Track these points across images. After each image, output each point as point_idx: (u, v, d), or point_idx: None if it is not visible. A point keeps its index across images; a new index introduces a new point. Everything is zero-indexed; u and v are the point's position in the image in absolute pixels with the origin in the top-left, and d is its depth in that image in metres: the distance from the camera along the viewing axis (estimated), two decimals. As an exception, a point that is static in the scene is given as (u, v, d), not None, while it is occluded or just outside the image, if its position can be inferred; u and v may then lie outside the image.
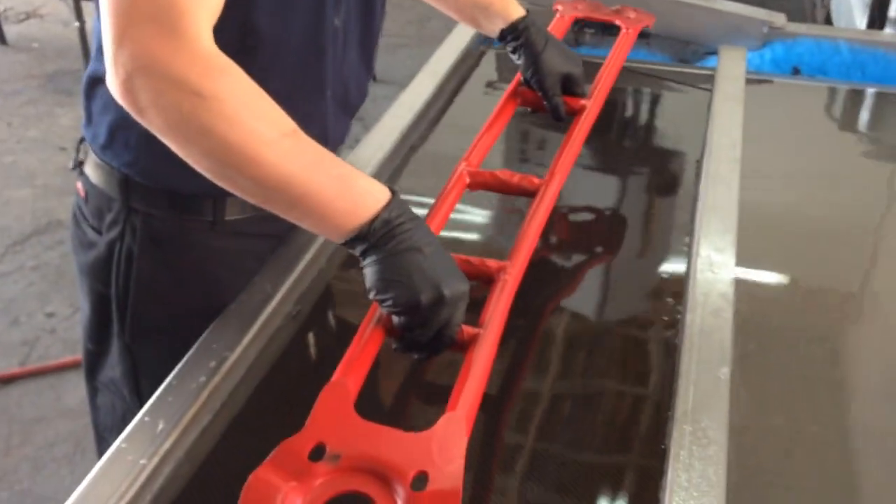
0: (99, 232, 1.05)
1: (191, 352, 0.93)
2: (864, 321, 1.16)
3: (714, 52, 1.74)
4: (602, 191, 1.37)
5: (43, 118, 3.65)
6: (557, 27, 1.39)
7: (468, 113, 1.57)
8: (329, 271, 1.12)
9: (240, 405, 0.92)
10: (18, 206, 3.05)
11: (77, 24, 3.10)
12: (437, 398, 0.92)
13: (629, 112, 1.64)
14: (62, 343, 2.42)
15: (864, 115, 1.66)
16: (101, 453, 0.83)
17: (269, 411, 0.93)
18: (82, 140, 1.08)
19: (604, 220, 1.29)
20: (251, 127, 0.74)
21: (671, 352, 0.98)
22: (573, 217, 1.30)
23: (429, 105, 1.50)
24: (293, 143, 0.77)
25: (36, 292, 2.62)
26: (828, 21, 3.36)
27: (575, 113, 1.19)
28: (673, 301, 1.08)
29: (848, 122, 1.66)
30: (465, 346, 0.82)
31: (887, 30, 2.63)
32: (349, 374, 0.78)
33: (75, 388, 2.25)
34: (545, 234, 1.05)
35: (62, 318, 2.51)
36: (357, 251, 0.80)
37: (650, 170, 1.45)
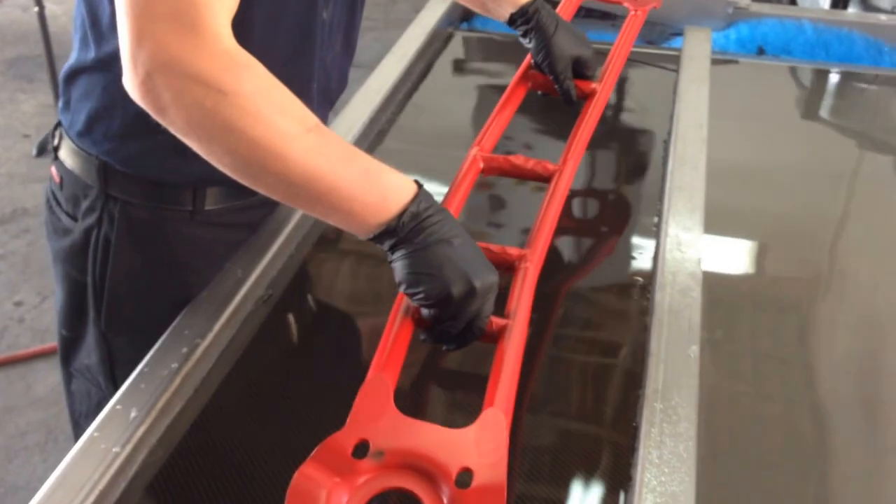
0: (74, 218, 1.05)
1: (162, 338, 0.93)
2: (831, 296, 1.18)
3: (680, 33, 1.75)
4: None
5: (5, 105, 3.59)
6: (565, 10, 1.37)
7: (437, 95, 1.57)
8: (299, 255, 1.12)
9: (212, 390, 0.91)
10: (-18, 195, 3.00)
11: (36, 8, 3.04)
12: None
13: (597, 93, 1.64)
14: (31, 332, 2.40)
15: (829, 94, 1.68)
16: (77, 439, 0.83)
17: (242, 396, 0.93)
18: (58, 125, 1.06)
19: (573, 202, 1.30)
20: (275, 122, 0.73)
21: (642, 331, 1.00)
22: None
23: (397, 87, 1.50)
24: (318, 137, 0.76)
25: (3, 281, 2.58)
26: (792, 1, 3.39)
27: (585, 97, 1.18)
28: (643, 281, 1.09)
29: (813, 100, 1.68)
30: (494, 337, 0.82)
31: (850, 9, 2.66)
32: (385, 370, 0.77)
33: (45, 377, 2.24)
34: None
35: (31, 307, 2.49)
36: (385, 246, 0.79)
37: (619, 151, 1.46)
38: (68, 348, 1.13)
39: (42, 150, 3.22)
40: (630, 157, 1.45)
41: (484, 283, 0.79)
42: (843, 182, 1.40)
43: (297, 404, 0.93)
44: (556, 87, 1.18)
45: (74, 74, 0.99)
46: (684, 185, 1.19)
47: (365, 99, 1.41)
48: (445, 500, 0.68)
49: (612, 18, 1.86)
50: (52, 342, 2.29)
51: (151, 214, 1.02)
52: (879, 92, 1.67)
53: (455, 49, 1.72)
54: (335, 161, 0.76)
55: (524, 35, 1.19)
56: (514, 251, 0.90)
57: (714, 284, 1.05)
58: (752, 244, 1.24)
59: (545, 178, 1.02)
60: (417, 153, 1.40)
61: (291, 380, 0.97)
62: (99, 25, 0.94)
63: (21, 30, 4.20)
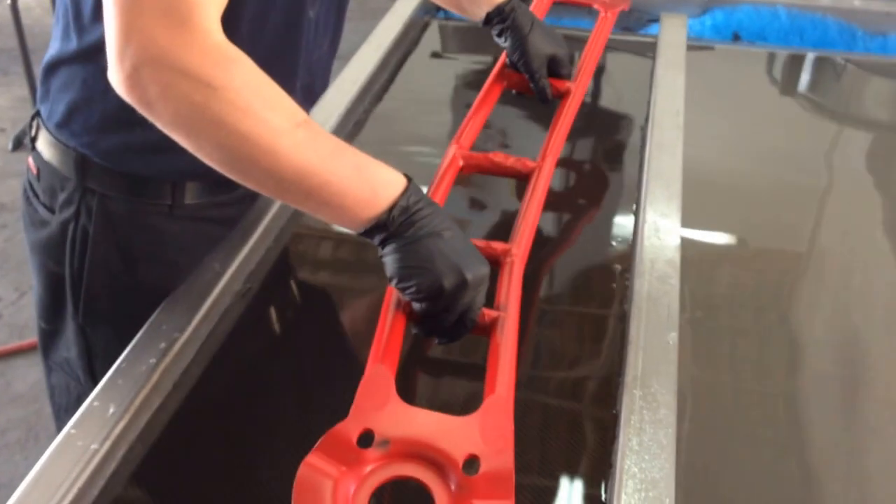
0: (51, 210, 1.04)
1: (140, 334, 0.92)
2: (810, 276, 1.19)
3: (656, 20, 1.75)
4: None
5: (-21, 99, 3.55)
6: (537, 9, 1.39)
7: (414, 84, 1.56)
8: (277, 248, 1.12)
9: (191, 385, 0.91)
10: (-44, 190, 2.97)
11: (9, 1, 3.01)
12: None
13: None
14: (8, 328, 2.38)
15: (804, 79, 1.69)
16: (59, 431, 0.83)
17: (222, 390, 0.93)
18: (36, 115, 1.05)
19: (553, 190, 1.30)
20: (265, 117, 0.72)
21: (621, 318, 1.00)
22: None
23: (374, 78, 1.49)
24: (307, 132, 0.75)
25: (-21, 277, 2.56)
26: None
27: (560, 95, 1.19)
28: (621, 268, 1.09)
29: (788, 85, 1.69)
30: (486, 330, 0.82)
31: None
32: (385, 360, 0.77)
33: (25, 374, 2.22)
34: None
35: (8, 303, 2.47)
36: (376, 240, 0.79)
37: (596, 139, 1.46)
38: (47, 341, 1.12)
39: (18, 144, 3.18)
40: (608, 144, 1.45)
41: (476, 275, 0.79)
42: (819, 164, 1.41)
43: (277, 398, 0.93)
44: (531, 85, 1.19)
45: (55, 65, 0.98)
46: (662, 172, 1.19)
47: (341, 90, 1.40)
48: (453, 488, 0.68)
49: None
50: (31, 338, 2.28)
51: (130, 208, 1.01)
52: (853, 76, 1.68)
53: (432, 38, 1.72)
54: (325, 156, 0.76)
55: (500, 34, 1.20)
56: (498, 246, 0.91)
57: (692, 269, 1.05)
58: (730, 229, 1.25)
59: (525, 175, 1.04)
60: (395, 144, 1.40)
61: (271, 373, 0.97)
62: (81, 16, 0.93)
63: (-7, 23, 4.15)
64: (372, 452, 0.69)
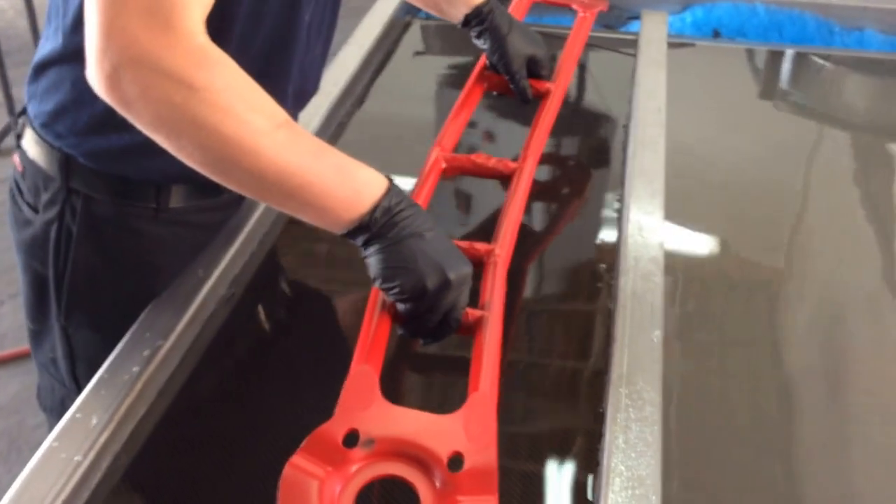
0: (35, 210, 1.03)
1: (123, 341, 0.91)
2: (793, 273, 1.19)
3: (637, 17, 1.75)
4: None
5: (-42, 102, 3.51)
6: (516, 10, 1.39)
7: (397, 84, 1.56)
8: (261, 253, 1.11)
9: (176, 393, 0.90)
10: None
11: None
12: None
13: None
14: (-10, 337, 2.35)
15: (784, 75, 1.70)
16: (51, 430, 0.82)
17: (206, 397, 0.92)
18: (22, 112, 1.04)
19: (536, 188, 1.30)
20: (246, 118, 0.72)
21: (606, 316, 1.00)
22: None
23: (356, 78, 1.48)
24: (288, 133, 0.75)
25: (-41, 287, 2.53)
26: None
27: (540, 96, 1.20)
28: (606, 267, 1.09)
29: (768, 81, 1.70)
30: (471, 329, 0.83)
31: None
32: (369, 360, 0.77)
33: (5, 385, 2.19)
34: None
35: (-11, 312, 2.44)
36: (359, 241, 0.80)
37: (579, 137, 1.46)
38: (35, 341, 1.12)
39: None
40: (591, 142, 1.46)
41: (458, 275, 0.80)
42: (801, 160, 1.42)
43: (263, 404, 0.92)
44: (511, 86, 1.20)
45: (45, 66, 0.97)
46: (644, 169, 1.19)
47: (323, 91, 1.38)
48: (438, 485, 0.68)
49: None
50: (11, 348, 2.26)
51: (114, 210, 1.00)
52: (832, 71, 1.69)
53: (413, 38, 1.71)
54: (307, 156, 0.76)
55: (478, 36, 1.21)
56: (481, 246, 0.91)
57: (677, 266, 1.06)
58: (713, 225, 1.25)
59: (507, 176, 1.04)
60: (378, 145, 1.39)
61: (256, 379, 0.96)
62: (71, 17, 0.92)
63: (-28, 25, 4.11)
64: (357, 452, 0.70)
